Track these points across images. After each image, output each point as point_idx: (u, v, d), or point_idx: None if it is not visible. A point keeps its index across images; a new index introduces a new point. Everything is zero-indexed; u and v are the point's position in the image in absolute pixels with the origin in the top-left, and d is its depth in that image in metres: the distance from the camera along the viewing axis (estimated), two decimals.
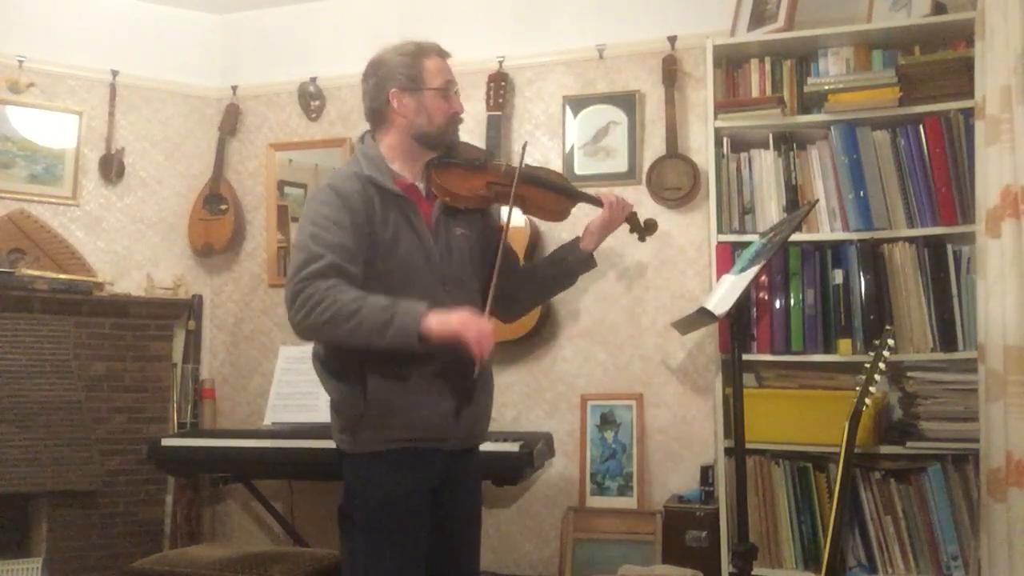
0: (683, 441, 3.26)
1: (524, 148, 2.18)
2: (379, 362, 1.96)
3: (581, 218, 2.37)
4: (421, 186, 2.11)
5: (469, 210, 2.14)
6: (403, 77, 2.05)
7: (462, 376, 1.99)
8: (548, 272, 2.27)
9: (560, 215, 2.26)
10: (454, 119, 2.11)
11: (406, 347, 1.87)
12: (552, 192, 2.23)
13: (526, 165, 2.16)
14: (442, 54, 2.11)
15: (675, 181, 3.27)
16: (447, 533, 2.09)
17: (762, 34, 3.06)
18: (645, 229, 2.37)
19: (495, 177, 2.14)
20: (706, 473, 3.07)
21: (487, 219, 2.24)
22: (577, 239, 2.26)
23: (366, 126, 3.83)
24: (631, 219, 2.31)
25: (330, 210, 1.95)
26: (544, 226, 3.37)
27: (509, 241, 2.18)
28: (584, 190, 2.31)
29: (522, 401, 3.45)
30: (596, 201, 2.25)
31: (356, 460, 2.02)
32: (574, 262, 2.23)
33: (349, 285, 1.90)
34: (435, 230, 2.08)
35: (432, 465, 2.03)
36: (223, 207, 3.82)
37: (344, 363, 2.00)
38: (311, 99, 3.82)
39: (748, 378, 2.97)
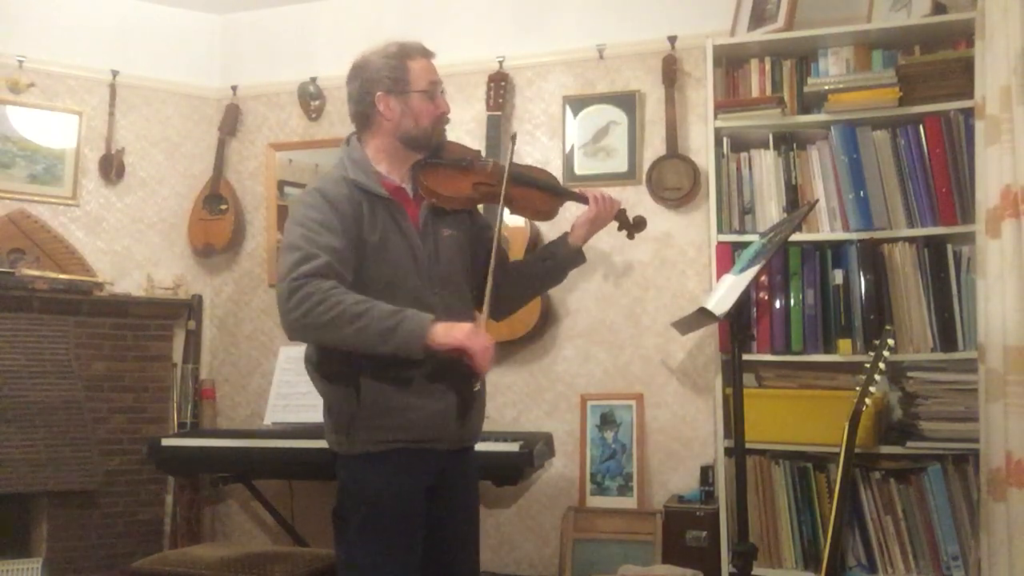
0: (683, 441, 3.26)
1: (513, 140, 2.22)
2: (372, 363, 1.94)
3: (572, 218, 2.36)
4: (408, 188, 2.10)
5: (456, 211, 2.13)
6: (388, 80, 2.03)
7: (459, 382, 2.00)
8: (538, 268, 2.27)
9: (548, 214, 2.26)
10: (440, 120, 2.10)
11: (408, 355, 1.87)
12: (539, 191, 2.22)
13: (513, 164, 2.15)
14: (426, 54, 2.09)
15: (675, 181, 3.27)
16: (444, 533, 2.08)
17: (762, 34, 3.06)
18: (634, 226, 2.36)
19: (482, 177, 2.14)
20: (706, 473, 3.06)
21: (474, 219, 2.23)
22: (565, 235, 2.26)
23: None
24: (620, 216, 2.31)
25: (318, 213, 1.93)
26: (545, 225, 3.37)
27: (502, 241, 2.18)
28: (572, 188, 2.31)
29: (522, 401, 3.45)
30: (582, 199, 2.26)
31: (350, 461, 2.01)
32: (564, 258, 2.23)
33: (346, 288, 1.89)
34: (423, 231, 2.06)
35: (426, 465, 2.02)
36: (223, 207, 3.82)
37: (337, 364, 1.99)
38: (311, 99, 3.82)
39: (748, 378, 2.97)
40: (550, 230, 3.37)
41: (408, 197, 2.09)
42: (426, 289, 2.02)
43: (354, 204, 1.97)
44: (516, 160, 2.23)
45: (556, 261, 2.24)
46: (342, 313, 1.82)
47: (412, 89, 2.04)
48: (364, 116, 2.07)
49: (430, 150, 2.10)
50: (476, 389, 2.01)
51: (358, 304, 1.84)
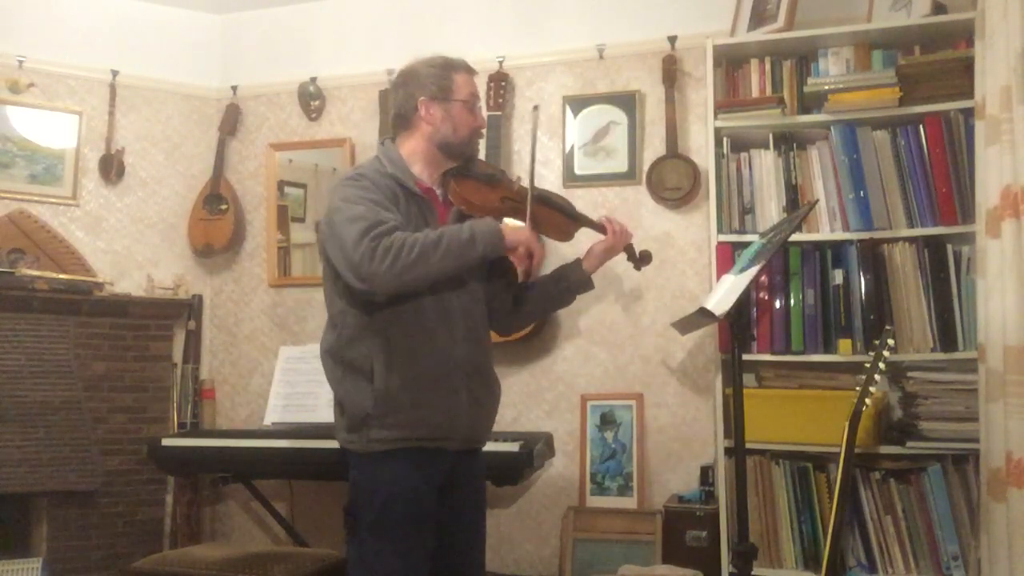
0: (683, 441, 3.26)
1: (536, 112, 2.43)
2: (387, 361, 1.99)
3: (581, 241, 2.43)
4: (439, 191, 2.18)
5: None
6: (433, 87, 2.12)
7: (472, 380, 2.08)
8: (549, 289, 2.33)
9: (566, 235, 2.37)
10: (476, 132, 2.19)
11: (496, 252, 2.03)
12: (560, 214, 2.34)
13: (537, 187, 2.27)
14: (469, 70, 2.19)
15: (675, 181, 3.27)
16: (452, 533, 2.10)
17: (762, 34, 3.06)
18: (640, 260, 2.48)
19: (508, 193, 2.23)
20: (706, 473, 3.07)
21: None
22: (579, 260, 2.33)
23: (366, 126, 3.85)
24: (627, 248, 2.42)
25: (371, 193, 2.01)
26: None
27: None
28: (588, 216, 2.42)
29: (522, 401, 3.45)
30: (599, 227, 2.36)
31: (362, 459, 2.03)
32: (576, 282, 2.31)
33: None
34: None
35: (438, 464, 2.05)
36: (223, 207, 3.82)
37: (354, 358, 2.01)
38: (311, 99, 3.82)
39: (748, 378, 2.97)
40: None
41: (438, 200, 2.17)
42: (445, 286, 2.06)
43: (392, 193, 2.06)
44: (529, 158, 2.38)
45: (568, 284, 2.31)
46: (424, 246, 1.92)
47: (454, 98, 2.13)
48: (405, 119, 2.15)
49: (463, 159, 2.19)
50: (521, 283, 2.19)
51: (431, 234, 1.95)
